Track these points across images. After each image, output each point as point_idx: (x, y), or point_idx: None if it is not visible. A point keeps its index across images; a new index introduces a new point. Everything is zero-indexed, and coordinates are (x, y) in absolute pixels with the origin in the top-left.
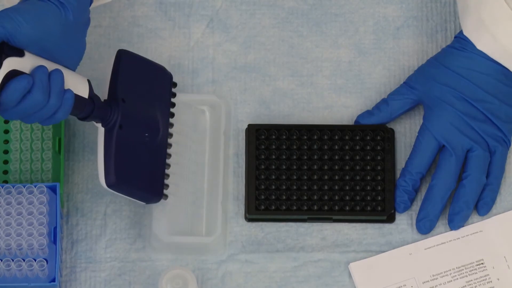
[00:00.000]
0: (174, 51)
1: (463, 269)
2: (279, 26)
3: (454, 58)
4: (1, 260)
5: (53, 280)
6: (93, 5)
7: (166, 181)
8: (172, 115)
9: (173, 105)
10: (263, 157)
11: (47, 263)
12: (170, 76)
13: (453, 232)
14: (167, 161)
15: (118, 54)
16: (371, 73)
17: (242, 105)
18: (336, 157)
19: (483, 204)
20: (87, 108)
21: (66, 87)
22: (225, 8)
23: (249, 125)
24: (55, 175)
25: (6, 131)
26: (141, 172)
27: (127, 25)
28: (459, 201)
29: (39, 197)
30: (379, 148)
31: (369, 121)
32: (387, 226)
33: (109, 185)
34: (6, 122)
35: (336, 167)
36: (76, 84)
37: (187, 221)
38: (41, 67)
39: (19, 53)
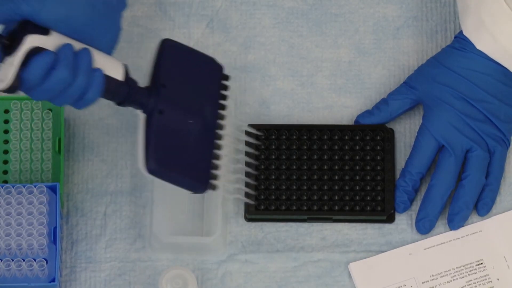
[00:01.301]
0: None
1: (463, 269)
2: (279, 26)
3: (454, 58)
4: (1, 260)
5: (53, 280)
6: None
7: (216, 172)
8: (224, 107)
9: (225, 97)
10: (263, 157)
11: (47, 263)
12: (220, 67)
13: (453, 232)
14: (219, 152)
15: (162, 42)
16: (371, 73)
17: (242, 105)
18: (336, 157)
19: (483, 205)
20: (121, 91)
21: (96, 67)
22: (225, 8)
23: (249, 125)
24: (55, 175)
25: (6, 131)
26: (184, 158)
27: (127, 25)
28: (458, 201)
29: (39, 197)
30: (379, 148)
31: (369, 121)
32: (387, 226)
33: (150, 171)
34: (6, 122)
35: (336, 167)
36: (108, 65)
37: (187, 221)
38: (66, 44)
39: (44, 31)
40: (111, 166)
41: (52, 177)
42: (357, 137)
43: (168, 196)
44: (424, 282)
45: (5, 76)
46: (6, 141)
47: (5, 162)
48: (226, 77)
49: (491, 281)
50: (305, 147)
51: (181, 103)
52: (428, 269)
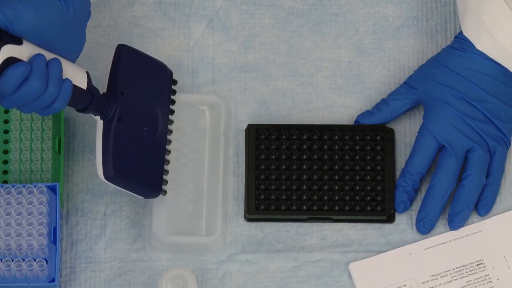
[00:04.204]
0: (174, 51)
1: (463, 269)
2: (279, 26)
3: (454, 58)
4: (1, 260)
5: (53, 280)
6: None
7: (165, 177)
8: (172, 112)
9: (173, 102)
10: (263, 157)
11: (46, 263)
12: (170, 72)
13: (453, 232)
14: (167, 157)
15: (118, 48)
16: (371, 73)
17: (242, 105)
18: (336, 157)
19: (483, 205)
20: (85, 99)
21: (64, 77)
22: (225, 8)
23: (249, 125)
24: (55, 175)
25: (6, 131)
26: (139, 166)
27: (127, 25)
28: (459, 202)
29: (38, 197)
30: (379, 148)
31: (369, 121)
32: (387, 226)
33: (107, 178)
34: (6, 122)
35: (336, 167)
36: (75, 74)
37: (187, 221)
38: (39, 55)
39: (17, 41)
40: None
41: (52, 177)
42: (357, 137)
43: (168, 196)
44: (424, 282)
45: None
46: (6, 141)
47: (5, 162)
48: (175, 82)
49: (491, 281)
50: (305, 147)
51: (137, 111)
52: (428, 269)
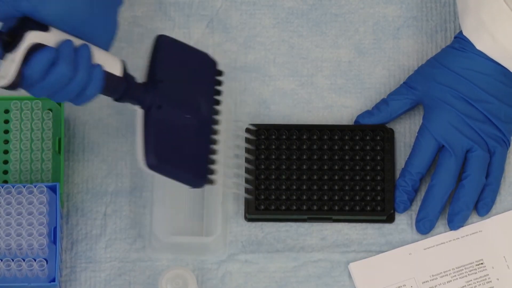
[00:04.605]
0: None
1: (462, 269)
2: (279, 26)
3: (454, 58)
4: (1, 260)
5: (53, 280)
6: None
7: (212, 167)
8: (218, 102)
9: (219, 92)
10: (263, 157)
11: (47, 263)
12: (214, 62)
13: (453, 232)
14: (214, 147)
15: (157, 38)
16: (371, 73)
17: (242, 105)
18: (336, 157)
19: (483, 205)
20: (120, 87)
21: (95, 63)
22: (225, 8)
23: (249, 125)
24: (55, 175)
25: (6, 131)
26: (183, 153)
27: (127, 25)
28: (458, 202)
29: (39, 197)
30: (379, 148)
31: (369, 121)
32: (387, 226)
33: (150, 166)
34: (6, 122)
35: (336, 167)
36: (107, 61)
37: (187, 221)
38: (66, 41)
39: (44, 28)
40: (111, 166)
41: (52, 177)
42: (357, 137)
43: (168, 196)
44: (424, 282)
45: (7, 73)
46: (6, 141)
47: (5, 162)
48: (220, 73)
49: (491, 281)
50: (305, 147)
51: (178, 98)
52: (428, 269)
